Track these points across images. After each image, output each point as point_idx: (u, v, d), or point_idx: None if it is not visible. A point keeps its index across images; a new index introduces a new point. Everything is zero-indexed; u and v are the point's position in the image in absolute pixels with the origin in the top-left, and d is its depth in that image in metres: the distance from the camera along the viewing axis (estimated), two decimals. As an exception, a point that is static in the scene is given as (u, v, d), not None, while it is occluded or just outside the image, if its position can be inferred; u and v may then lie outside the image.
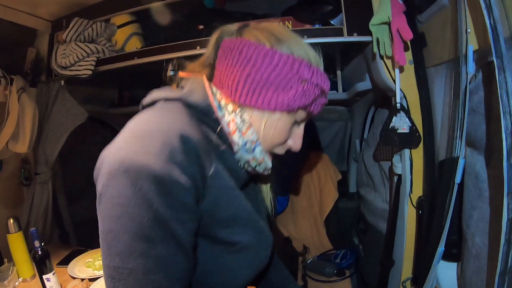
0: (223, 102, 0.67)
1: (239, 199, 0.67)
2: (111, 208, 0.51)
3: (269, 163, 0.71)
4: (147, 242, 0.50)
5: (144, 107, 0.71)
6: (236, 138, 0.66)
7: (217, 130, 0.65)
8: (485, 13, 0.82)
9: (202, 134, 0.62)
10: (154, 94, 0.70)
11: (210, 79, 0.71)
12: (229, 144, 0.66)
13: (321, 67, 0.70)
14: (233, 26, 0.72)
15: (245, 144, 0.66)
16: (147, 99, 0.71)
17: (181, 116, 0.62)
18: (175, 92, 0.69)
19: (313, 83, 0.66)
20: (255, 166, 0.69)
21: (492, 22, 0.81)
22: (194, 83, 0.69)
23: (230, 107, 0.66)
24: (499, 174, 0.80)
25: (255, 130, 0.67)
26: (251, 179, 0.77)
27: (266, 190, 0.87)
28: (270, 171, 0.74)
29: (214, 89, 0.69)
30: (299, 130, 0.75)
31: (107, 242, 0.52)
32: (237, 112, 0.66)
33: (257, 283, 0.89)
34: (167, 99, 0.68)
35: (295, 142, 0.74)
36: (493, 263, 0.84)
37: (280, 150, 0.74)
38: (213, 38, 0.73)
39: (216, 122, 0.65)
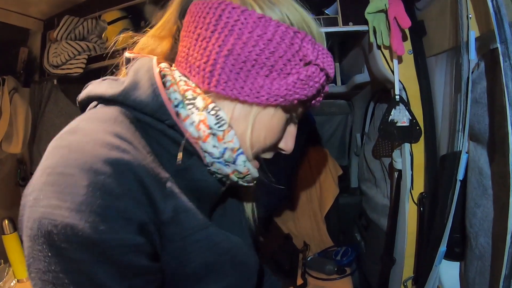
0: (189, 95, 0.48)
1: (213, 239, 0.50)
2: (43, 285, 0.37)
3: (255, 172, 0.52)
4: None
5: (80, 105, 0.53)
6: (208, 146, 0.47)
7: (179, 138, 0.47)
8: None
9: (152, 154, 0.45)
10: (89, 89, 0.51)
11: (171, 59, 0.55)
12: (197, 155, 0.48)
13: (325, 44, 0.53)
14: None
15: (223, 153, 0.48)
16: (81, 95, 0.52)
17: (116, 128, 0.43)
18: (114, 87, 0.48)
19: (318, 66, 0.48)
20: (238, 180, 0.52)
21: (495, 4, 0.75)
22: (139, 71, 0.49)
23: (200, 101, 0.48)
24: (504, 170, 0.75)
25: (236, 133, 0.49)
26: (227, 189, 0.58)
27: (247, 196, 0.67)
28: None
29: (177, 74, 0.51)
30: (293, 128, 0.58)
31: None
32: (209, 108, 0.47)
33: None
34: (103, 99, 0.49)
35: (287, 143, 0.57)
36: (497, 265, 0.80)
37: (268, 155, 0.57)
38: (172, 9, 0.55)
39: (175, 127, 0.46)
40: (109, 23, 1.58)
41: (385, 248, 1.41)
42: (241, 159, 0.49)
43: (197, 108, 0.47)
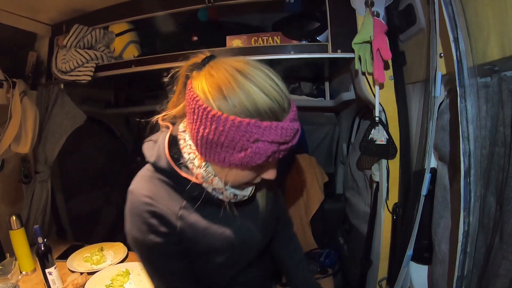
0: (192, 156, 0.74)
1: (214, 235, 0.81)
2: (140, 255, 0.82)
3: (245, 192, 0.80)
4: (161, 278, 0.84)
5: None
6: (206, 186, 0.76)
7: (188, 186, 0.75)
8: (452, 46, 0.88)
9: (175, 192, 0.78)
10: (144, 149, 0.82)
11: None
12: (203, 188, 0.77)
13: (281, 114, 0.64)
14: (198, 58, 0.72)
15: (214, 189, 0.76)
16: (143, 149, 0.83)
17: (151, 187, 0.77)
18: (152, 155, 0.79)
19: (265, 141, 0.62)
20: (230, 200, 0.78)
21: (458, 54, 0.87)
22: (159, 148, 0.78)
23: (197, 161, 0.74)
24: (460, 189, 0.87)
25: (220, 179, 0.74)
26: None
27: (262, 195, 0.91)
28: (253, 192, 0.82)
29: (187, 137, 0.76)
30: (271, 167, 0.74)
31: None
32: (202, 166, 0.74)
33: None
34: (148, 162, 0.80)
35: (269, 174, 0.75)
36: (453, 269, 0.90)
37: (256, 182, 0.78)
38: (181, 74, 0.75)
39: (185, 179, 0.75)
40: (117, 35, 1.67)
41: (364, 251, 1.55)
42: (228, 191, 0.77)
43: (195, 166, 0.74)
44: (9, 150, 1.62)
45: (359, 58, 1.28)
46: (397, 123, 1.33)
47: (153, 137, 0.83)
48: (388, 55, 1.18)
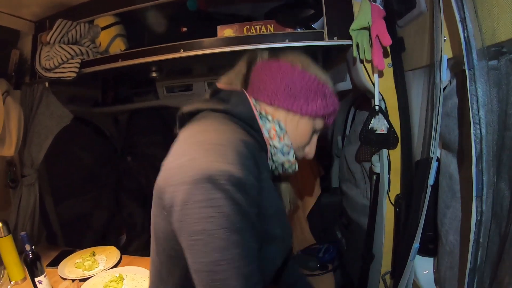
0: (263, 113, 0.79)
1: (277, 198, 0.78)
2: (200, 211, 0.57)
3: (297, 165, 0.84)
4: (239, 234, 0.58)
5: (184, 115, 0.81)
6: (276, 142, 0.78)
7: (259, 138, 0.76)
8: (459, 26, 0.85)
9: (252, 141, 0.73)
10: (197, 105, 0.79)
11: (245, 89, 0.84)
12: (265, 151, 0.78)
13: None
14: (264, 52, 0.88)
15: (283, 147, 0.79)
16: (188, 108, 0.80)
17: (233, 126, 0.72)
18: (219, 104, 0.78)
19: (331, 100, 0.84)
20: (287, 168, 0.82)
21: (466, 35, 0.84)
22: (238, 97, 0.79)
23: (270, 116, 0.79)
24: (470, 177, 0.84)
25: (289, 134, 0.80)
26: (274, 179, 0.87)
27: (286, 187, 0.98)
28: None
29: (253, 100, 0.80)
30: (315, 139, 0.90)
31: (203, 241, 0.57)
32: (275, 121, 0.79)
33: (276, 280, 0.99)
34: (213, 110, 0.77)
35: (311, 148, 0.90)
36: (464, 260, 0.89)
37: (300, 154, 0.88)
38: (245, 58, 0.88)
39: (258, 130, 0.76)
40: (103, 28, 1.60)
41: (365, 245, 1.51)
42: (292, 152, 0.81)
43: (269, 120, 0.78)
44: (-7, 154, 1.55)
45: (357, 45, 1.24)
46: (397, 111, 1.29)
47: (204, 99, 0.84)
48: (388, 41, 1.14)
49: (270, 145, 0.78)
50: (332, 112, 0.85)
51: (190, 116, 0.80)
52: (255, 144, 0.72)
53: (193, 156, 0.60)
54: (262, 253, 0.70)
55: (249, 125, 0.75)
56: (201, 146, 0.62)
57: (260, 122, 0.77)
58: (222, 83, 0.87)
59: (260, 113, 0.78)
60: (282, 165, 0.82)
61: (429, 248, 1.19)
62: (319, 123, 0.86)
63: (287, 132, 0.80)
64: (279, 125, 0.79)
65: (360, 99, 1.85)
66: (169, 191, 0.61)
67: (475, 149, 0.81)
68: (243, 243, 0.59)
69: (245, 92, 0.81)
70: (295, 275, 1.10)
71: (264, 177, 0.70)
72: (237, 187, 0.58)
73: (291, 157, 0.81)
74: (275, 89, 0.80)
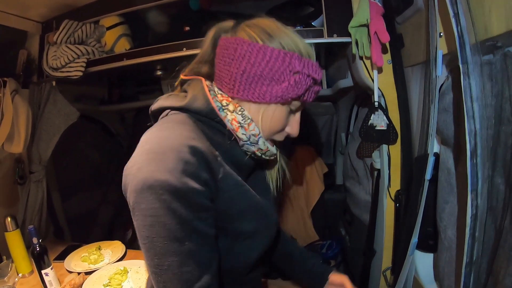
0: (224, 103, 0.73)
1: (246, 193, 0.75)
2: (144, 219, 0.59)
3: (273, 149, 0.79)
4: (177, 242, 0.59)
5: (153, 113, 0.80)
6: (240, 134, 0.73)
7: (223, 129, 0.73)
8: (453, 21, 0.85)
9: (209, 140, 0.70)
10: (161, 102, 0.77)
11: (211, 77, 0.78)
12: (234, 138, 0.74)
13: (313, 58, 0.74)
14: (228, 23, 0.76)
15: (249, 138, 0.73)
16: (155, 106, 0.78)
17: (187, 127, 0.68)
18: (179, 100, 0.75)
19: (304, 74, 0.70)
20: (261, 155, 0.77)
21: (459, 30, 0.84)
22: (195, 90, 0.75)
23: (231, 106, 0.73)
24: (466, 172, 0.84)
25: (255, 124, 0.74)
26: (257, 164, 0.85)
27: (272, 171, 0.93)
28: (277, 156, 0.84)
29: (216, 89, 0.75)
30: (296, 117, 0.80)
31: (146, 247, 0.61)
32: (237, 110, 0.73)
33: (267, 258, 0.99)
34: (173, 109, 0.75)
35: (293, 128, 0.80)
36: (461, 255, 0.88)
37: (280, 137, 0.80)
38: (209, 36, 0.78)
39: (221, 122, 0.73)
40: (108, 28, 1.63)
41: (367, 241, 1.52)
42: (261, 140, 0.74)
43: (229, 111, 0.72)
44: (2, 151, 1.59)
45: (356, 42, 1.25)
46: (397, 107, 1.30)
47: (168, 94, 0.81)
48: (386, 38, 1.15)
49: (237, 136, 0.74)
50: (306, 88, 0.72)
51: (158, 114, 0.78)
52: (210, 144, 0.69)
53: (140, 166, 0.60)
54: (232, 249, 0.75)
55: (210, 118, 0.73)
56: (146, 155, 0.61)
57: (221, 113, 0.72)
58: (187, 71, 0.82)
59: (220, 104, 0.73)
60: (255, 153, 0.76)
61: (430, 244, 1.19)
62: (294, 104, 0.76)
63: (254, 120, 0.74)
64: (242, 115, 0.73)
65: (362, 96, 1.85)
66: (127, 196, 0.63)
67: (470, 143, 0.81)
68: (182, 251, 0.60)
69: (203, 81, 0.76)
70: (289, 245, 1.11)
71: (226, 176, 0.69)
72: (174, 196, 0.58)
73: (262, 146, 0.75)
74: (233, 78, 0.71)
